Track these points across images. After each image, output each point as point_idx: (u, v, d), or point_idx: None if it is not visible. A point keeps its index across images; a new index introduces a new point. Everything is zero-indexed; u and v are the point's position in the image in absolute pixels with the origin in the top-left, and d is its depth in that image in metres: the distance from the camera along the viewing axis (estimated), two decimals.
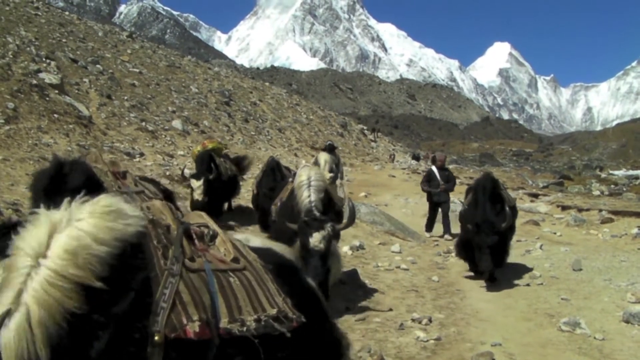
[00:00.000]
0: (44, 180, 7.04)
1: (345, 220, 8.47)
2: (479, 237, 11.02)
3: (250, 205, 17.29)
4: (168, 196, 9.55)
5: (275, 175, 14.73)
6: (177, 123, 31.81)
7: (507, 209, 11.48)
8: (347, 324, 8.68)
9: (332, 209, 9.22)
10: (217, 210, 15.03)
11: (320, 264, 7.93)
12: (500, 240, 11.25)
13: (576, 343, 8.18)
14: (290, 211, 9.09)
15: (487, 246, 10.90)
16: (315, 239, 7.95)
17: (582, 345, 8.08)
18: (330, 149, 20.85)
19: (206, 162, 15.26)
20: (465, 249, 12.22)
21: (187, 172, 15.85)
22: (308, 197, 8.80)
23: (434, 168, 18.57)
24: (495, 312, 9.62)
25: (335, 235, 8.43)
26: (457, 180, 21.04)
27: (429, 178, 18.51)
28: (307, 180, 8.99)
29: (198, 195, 14.35)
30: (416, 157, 66.86)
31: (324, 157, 18.50)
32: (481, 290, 11.48)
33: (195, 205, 13.99)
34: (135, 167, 20.35)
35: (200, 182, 14.46)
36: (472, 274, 12.54)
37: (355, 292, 10.61)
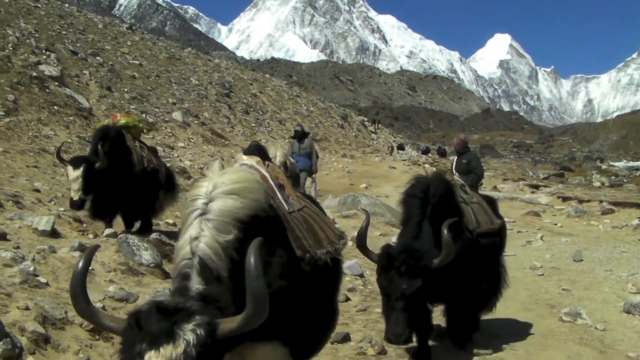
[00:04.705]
0: None
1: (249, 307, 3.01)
2: (387, 278, 5.97)
3: None
4: None
5: None
6: (177, 115, 31.84)
7: (445, 233, 6.06)
8: (348, 314, 8.69)
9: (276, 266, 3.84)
10: (108, 216, 10.75)
11: None
12: (457, 284, 6.76)
13: (577, 333, 8.19)
14: None
15: (400, 296, 5.80)
16: None
17: (583, 336, 8.09)
18: (300, 135, 17.52)
19: (97, 141, 10.22)
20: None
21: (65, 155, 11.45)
22: (193, 241, 3.47)
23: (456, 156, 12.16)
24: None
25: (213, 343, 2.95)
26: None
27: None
28: (202, 203, 3.65)
29: (74, 192, 9.68)
30: (426, 151, 66.58)
31: (272, 150, 13.30)
32: None
33: (72, 206, 10.00)
34: None
35: (79, 172, 9.64)
36: None
37: (356, 283, 10.62)
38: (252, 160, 4.68)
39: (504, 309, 9.39)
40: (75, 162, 9.80)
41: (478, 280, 7.41)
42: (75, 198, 9.65)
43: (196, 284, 3.33)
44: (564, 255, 13.66)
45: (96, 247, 3.54)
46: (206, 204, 3.64)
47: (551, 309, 9.47)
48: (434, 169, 10.96)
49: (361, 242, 6.29)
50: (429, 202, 6.72)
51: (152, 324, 2.88)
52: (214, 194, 3.69)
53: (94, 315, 3.12)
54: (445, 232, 6.02)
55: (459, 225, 6.87)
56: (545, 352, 7.56)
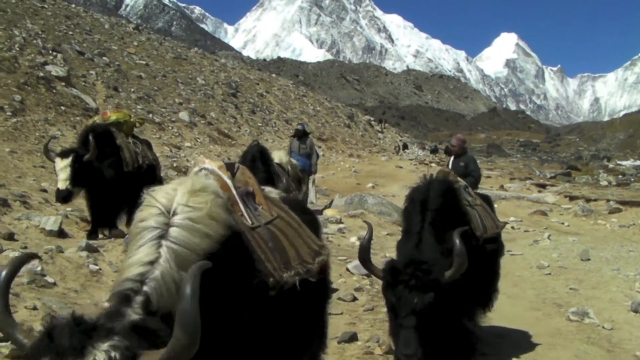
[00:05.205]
0: None
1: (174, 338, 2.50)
2: (395, 294, 5.22)
3: None
4: None
5: (255, 169, 9.21)
6: (184, 115, 31.89)
7: (457, 242, 5.38)
8: (355, 314, 8.69)
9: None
10: (105, 216, 10.27)
11: None
12: (451, 301, 5.40)
13: (585, 333, 8.19)
14: None
15: (411, 312, 5.08)
16: None
17: (590, 335, 8.08)
18: (301, 134, 16.90)
19: (85, 134, 9.93)
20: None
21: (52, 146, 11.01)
22: (146, 265, 2.95)
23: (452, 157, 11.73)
24: (503, 302, 9.59)
25: None
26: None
27: None
28: (162, 222, 3.12)
29: (60, 182, 9.34)
30: (434, 150, 66.68)
31: (278, 154, 13.65)
32: None
33: (58, 197, 9.60)
34: None
35: (67, 161, 9.37)
36: None
37: (363, 282, 10.61)
38: (214, 165, 4.07)
39: (511, 308, 9.40)
40: (64, 154, 9.58)
41: (483, 286, 7.00)
42: (62, 188, 9.29)
43: (134, 313, 2.76)
44: (571, 254, 13.63)
45: (28, 257, 3.18)
46: (167, 225, 3.10)
47: (558, 308, 9.46)
48: (440, 167, 10.21)
49: (364, 257, 5.58)
50: (428, 208, 6.10)
51: (64, 337, 2.45)
52: (179, 220, 3.13)
53: (8, 325, 2.69)
54: (457, 241, 5.35)
55: (467, 230, 6.07)
56: (552, 351, 7.56)
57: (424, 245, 5.85)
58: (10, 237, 7.90)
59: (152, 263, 2.93)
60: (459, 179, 7.45)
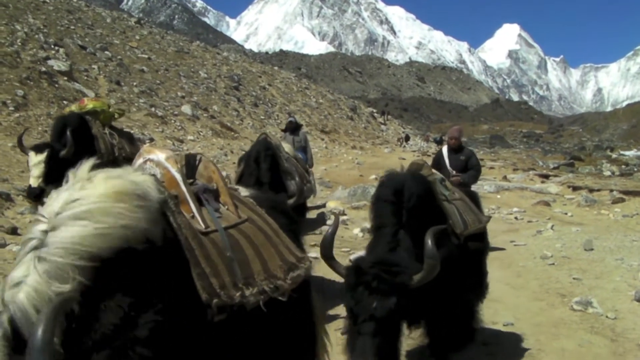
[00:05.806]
0: None
1: None
2: (354, 297, 4.40)
3: None
4: None
5: (259, 165, 8.89)
6: (186, 108, 31.88)
7: (429, 243, 4.39)
8: None
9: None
10: None
11: None
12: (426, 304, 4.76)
13: (588, 322, 8.17)
14: None
15: (370, 318, 4.24)
16: None
17: (594, 325, 8.07)
18: (293, 128, 15.92)
19: (59, 129, 9.42)
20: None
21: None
22: (12, 287, 2.30)
23: (444, 149, 11.31)
24: (507, 293, 9.61)
25: None
26: None
27: (437, 164, 11.04)
28: (40, 231, 2.44)
29: (33, 179, 8.59)
30: (439, 141, 66.48)
31: (287, 145, 12.06)
32: (492, 271, 11.44)
33: (29, 195, 8.70)
34: None
35: (42, 156, 8.69)
36: None
37: None
38: (161, 155, 3.41)
39: (515, 298, 9.40)
40: (38, 148, 8.84)
41: (466, 290, 6.20)
42: (34, 185, 8.48)
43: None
44: (575, 244, 13.61)
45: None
46: (47, 232, 2.40)
47: (562, 298, 9.45)
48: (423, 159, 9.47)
49: (326, 252, 4.74)
50: (404, 207, 5.27)
51: None
52: (60, 217, 2.45)
53: None
54: (429, 242, 4.42)
55: (443, 229, 5.33)
56: (556, 341, 7.56)
57: (400, 248, 5.04)
58: (14, 231, 7.93)
59: (18, 284, 2.28)
60: (434, 172, 6.64)
